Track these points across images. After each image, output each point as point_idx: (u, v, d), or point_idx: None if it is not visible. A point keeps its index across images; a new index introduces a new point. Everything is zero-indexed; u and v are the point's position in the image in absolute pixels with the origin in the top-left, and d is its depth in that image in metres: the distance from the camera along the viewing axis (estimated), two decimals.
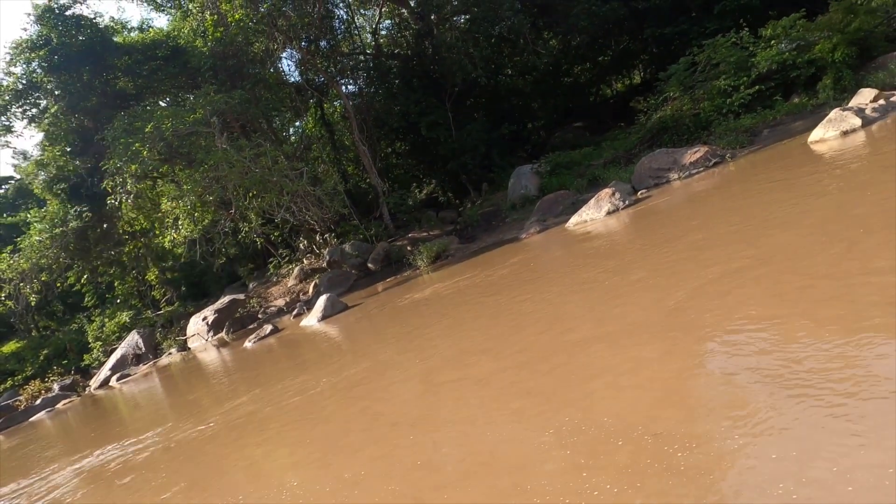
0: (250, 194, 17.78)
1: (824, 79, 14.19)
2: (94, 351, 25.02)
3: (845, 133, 9.57)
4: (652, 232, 9.10)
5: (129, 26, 24.59)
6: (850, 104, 10.93)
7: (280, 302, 20.94)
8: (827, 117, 10.18)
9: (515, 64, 27.35)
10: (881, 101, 10.23)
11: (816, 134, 10.13)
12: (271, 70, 23.75)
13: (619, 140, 20.07)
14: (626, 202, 11.69)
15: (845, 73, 13.87)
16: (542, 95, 27.60)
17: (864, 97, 11.18)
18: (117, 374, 20.21)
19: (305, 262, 22.51)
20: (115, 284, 26.75)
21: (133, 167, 16.51)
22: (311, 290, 20.26)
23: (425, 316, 9.67)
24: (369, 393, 6.47)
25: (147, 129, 16.13)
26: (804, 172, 8.58)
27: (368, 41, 28.74)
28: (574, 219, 12.34)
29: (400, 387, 6.28)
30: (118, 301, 27.35)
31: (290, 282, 22.16)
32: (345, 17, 26.40)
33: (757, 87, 15.20)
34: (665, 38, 22.13)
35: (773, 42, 15.36)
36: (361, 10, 29.78)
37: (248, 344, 14.97)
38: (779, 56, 14.80)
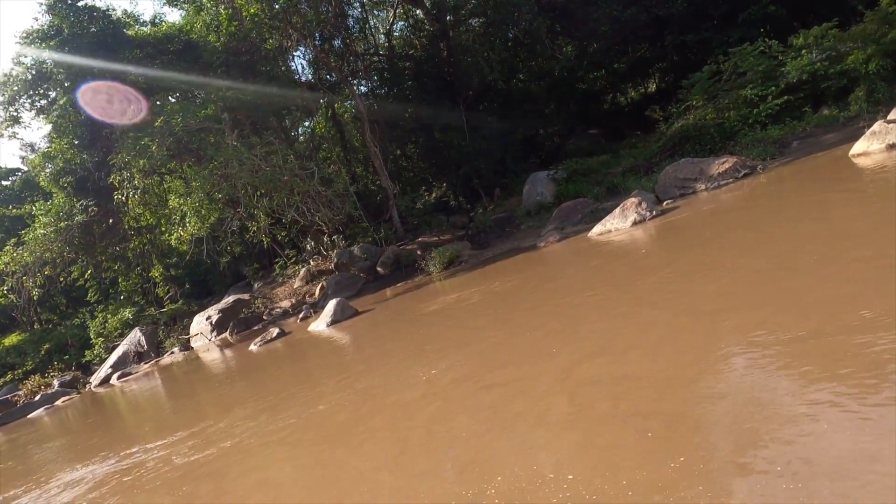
0: (258, 192, 17.41)
1: (857, 91, 13.72)
2: (96, 347, 24.66)
3: (891, 146, 9.11)
4: (689, 246, 8.65)
5: (141, 20, 24.28)
6: (890, 117, 10.45)
7: (286, 303, 20.52)
8: (870, 129, 9.72)
9: (530, 69, 26.99)
10: None
11: (859, 146, 9.67)
12: (283, 69, 23.43)
13: (638, 148, 19.64)
14: (653, 212, 11.24)
15: (879, 85, 13.40)
16: (556, 101, 27.21)
17: None
18: (118, 372, 19.80)
19: (312, 263, 22.09)
20: (119, 280, 26.41)
21: (141, 162, 16.18)
22: (317, 293, 19.85)
23: (455, 327, 9.20)
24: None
25: (157, 124, 15.77)
26: (855, 186, 8.13)
27: (382, 42, 28.43)
28: (598, 228, 11.88)
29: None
30: (121, 297, 26.99)
31: (297, 283, 21.74)
32: (359, 16, 26.07)
33: (785, 97, 14.74)
34: (685, 46, 21.70)
35: (803, 52, 14.91)
36: (375, 12, 29.48)
37: (253, 347, 14.53)
38: (809, 66, 14.36)
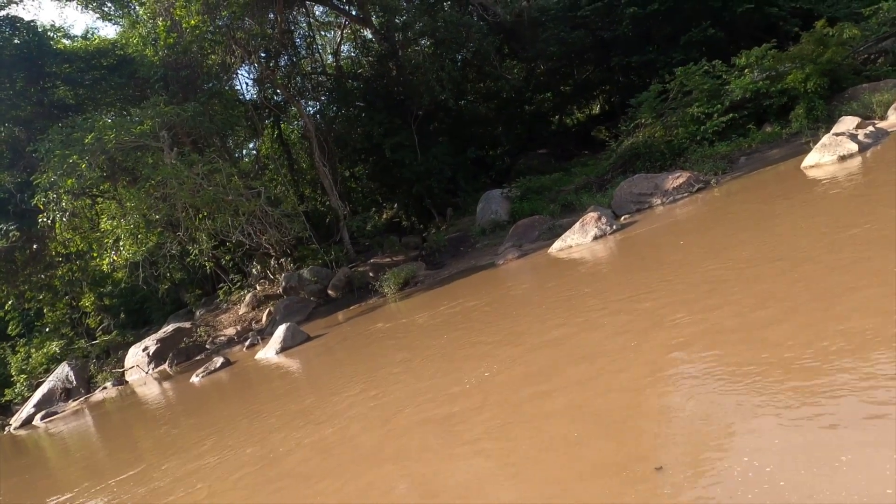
0: (201, 214, 16.41)
1: (797, 108, 14.20)
2: (18, 385, 22.65)
3: (843, 158, 9.31)
4: (657, 259, 8.47)
5: (71, 34, 22.93)
6: (835, 131, 10.76)
7: (230, 331, 19.40)
8: (821, 142, 9.94)
9: (479, 90, 27.12)
10: (870, 128, 10.08)
11: (811, 159, 9.85)
12: (227, 88, 22.49)
13: (589, 166, 19.79)
14: (613, 227, 11.11)
15: (818, 103, 13.92)
16: (505, 122, 27.34)
17: (847, 125, 11.08)
18: (42, 412, 18.13)
19: (259, 288, 21.05)
20: (45, 311, 24.40)
21: (69, 181, 14.93)
22: (264, 319, 18.88)
23: (415, 346, 8.67)
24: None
25: (87, 140, 14.64)
26: (815, 195, 8.17)
27: (329, 62, 27.93)
28: (557, 244, 11.66)
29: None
30: (47, 329, 24.94)
31: (242, 309, 20.64)
32: (306, 34, 25.53)
33: (730, 114, 15.13)
34: (630, 68, 22.24)
35: (745, 71, 15.39)
36: (322, 32, 28.99)
37: (194, 378, 13.51)
38: (752, 85, 14.79)
